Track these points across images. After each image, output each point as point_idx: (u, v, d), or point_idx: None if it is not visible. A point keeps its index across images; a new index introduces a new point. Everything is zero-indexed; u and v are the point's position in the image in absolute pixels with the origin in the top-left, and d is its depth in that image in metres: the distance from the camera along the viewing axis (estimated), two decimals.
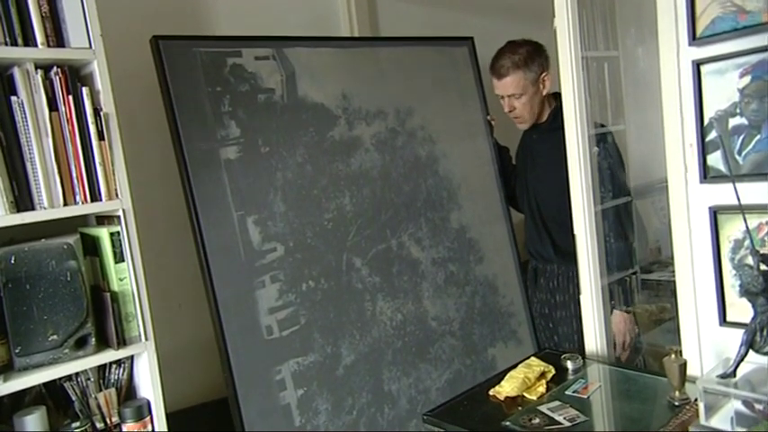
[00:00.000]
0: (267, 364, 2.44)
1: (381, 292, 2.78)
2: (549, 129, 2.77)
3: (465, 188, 3.13)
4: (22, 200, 1.82)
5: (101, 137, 1.95)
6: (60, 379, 1.96)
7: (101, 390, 2.05)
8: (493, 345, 3.07)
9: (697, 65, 1.81)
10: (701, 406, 1.68)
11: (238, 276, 2.43)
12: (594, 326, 2.35)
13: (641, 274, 2.74)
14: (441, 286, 2.97)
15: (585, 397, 2.02)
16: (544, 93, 2.83)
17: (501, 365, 2.79)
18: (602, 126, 2.52)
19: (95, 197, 1.95)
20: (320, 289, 2.62)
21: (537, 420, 1.89)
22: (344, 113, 2.81)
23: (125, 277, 2.00)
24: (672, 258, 2.00)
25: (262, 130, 2.56)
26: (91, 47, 1.94)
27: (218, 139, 2.45)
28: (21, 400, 1.93)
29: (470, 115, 3.25)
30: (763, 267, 1.60)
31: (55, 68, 1.89)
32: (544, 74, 2.79)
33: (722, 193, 1.81)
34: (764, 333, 1.62)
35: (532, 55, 2.78)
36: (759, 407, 1.62)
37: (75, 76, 1.94)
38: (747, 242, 1.74)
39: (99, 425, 2.03)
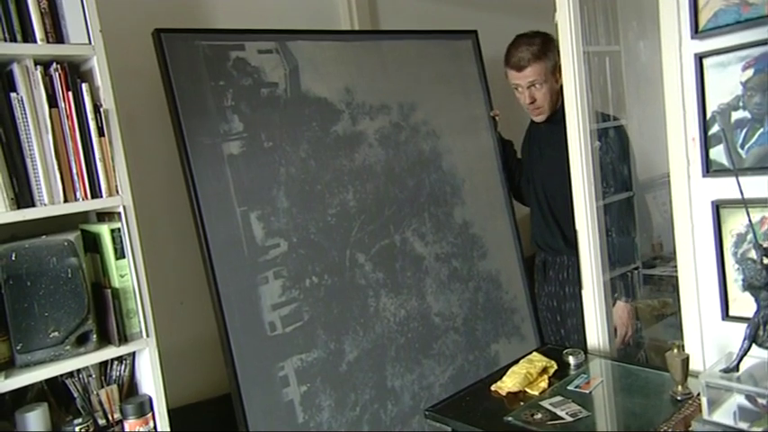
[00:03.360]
0: (270, 361, 2.44)
1: (385, 287, 2.78)
2: (559, 120, 2.75)
3: (468, 183, 3.12)
4: (23, 196, 1.82)
5: (101, 133, 1.95)
6: (62, 376, 1.97)
7: (102, 386, 2.05)
8: (496, 340, 3.06)
9: (699, 58, 1.80)
10: (704, 401, 1.68)
11: (241, 272, 2.42)
12: (596, 321, 2.34)
13: (643, 270, 2.73)
14: (444, 282, 2.96)
15: (587, 392, 2.01)
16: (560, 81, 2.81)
17: (504, 361, 2.78)
18: (609, 118, 2.51)
19: (96, 194, 1.95)
20: (323, 285, 2.61)
21: (539, 415, 1.89)
22: (348, 108, 2.80)
23: (126, 274, 2.00)
24: (674, 253, 1.99)
25: (265, 125, 2.56)
26: (90, 43, 1.94)
27: (220, 134, 2.45)
28: (22, 397, 1.93)
29: (474, 109, 3.24)
30: (766, 261, 1.60)
31: (54, 64, 1.89)
32: (559, 62, 2.78)
33: (725, 187, 1.80)
34: (767, 327, 1.61)
35: (547, 44, 2.79)
36: (762, 401, 1.62)
37: (75, 73, 1.95)
38: (750, 236, 1.73)
39: (101, 421, 2.03)
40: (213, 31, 2.61)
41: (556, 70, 2.77)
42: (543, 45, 2.77)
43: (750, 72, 1.71)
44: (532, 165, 3.08)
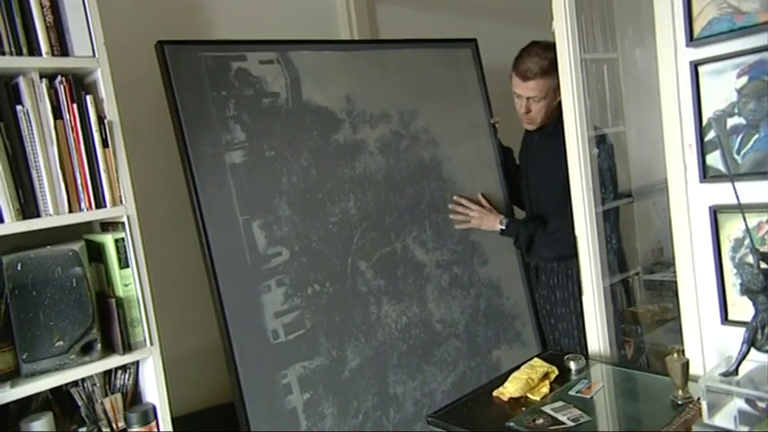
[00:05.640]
0: (273, 369, 2.45)
1: (386, 295, 2.79)
2: (553, 132, 2.75)
3: (468, 190, 3.13)
4: (28, 207, 1.84)
5: (105, 144, 1.97)
6: (66, 385, 1.98)
7: (107, 395, 2.06)
8: (498, 347, 3.07)
9: (695, 65, 1.82)
10: (704, 405, 1.70)
11: (244, 280, 2.44)
12: (597, 326, 2.35)
13: (644, 275, 2.75)
14: (445, 289, 2.97)
15: (589, 397, 2.03)
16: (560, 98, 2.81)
17: (506, 367, 2.78)
18: (596, 128, 2.52)
19: (100, 204, 1.97)
20: (325, 293, 2.62)
21: (540, 421, 1.90)
22: (349, 117, 2.81)
23: (130, 283, 2.02)
24: (673, 258, 2.01)
25: (267, 134, 2.57)
26: (94, 55, 1.97)
27: (223, 144, 2.46)
28: (27, 407, 1.94)
29: (474, 117, 3.25)
30: (763, 266, 1.61)
31: (59, 77, 1.92)
32: None
33: (722, 193, 1.82)
34: (765, 331, 1.62)
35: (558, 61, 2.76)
36: (762, 405, 1.63)
37: (80, 85, 1.97)
38: (747, 241, 1.74)
39: (105, 430, 2.04)
40: (215, 43, 2.62)
41: (558, 88, 2.68)
42: (554, 61, 2.61)
43: (744, 79, 1.74)
44: (525, 173, 3.11)
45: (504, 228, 3.01)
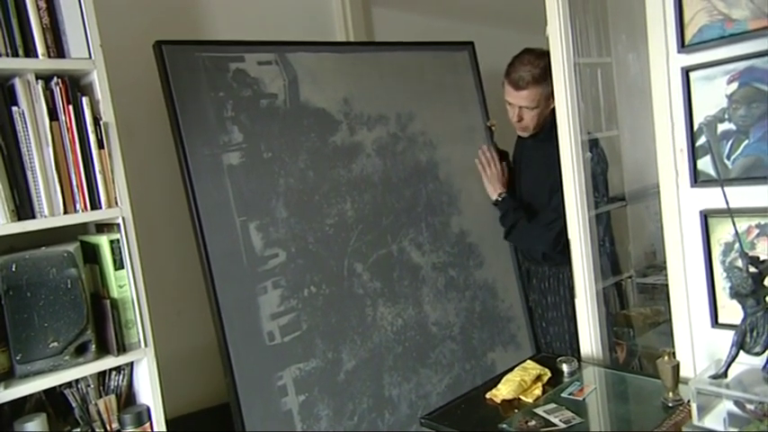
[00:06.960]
0: (269, 370, 2.46)
1: (382, 297, 2.80)
2: (545, 138, 2.75)
3: (465, 193, 3.14)
4: (23, 208, 1.84)
5: (100, 145, 1.98)
6: (61, 386, 1.98)
7: (101, 396, 2.06)
8: (492, 349, 3.08)
9: (686, 71, 1.84)
10: (694, 407, 1.71)
11: (240, 282, 2.44)
12: (589, 329, 2.36)
13: (637, 278, 2.76)
14: (441, 291, 2.98)
15: (581, 399, 2.04)
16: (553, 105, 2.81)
17: (500, 369, 2.79)
18: (589, 133, 2.53)
19: (95, 205, 1.97)
20: (321, 294, 2.63)
21: (533, 422, 1.91)
22: (346, 119, 2.82)
23: (125, 284, 2.03)
24: (665, 262, 2.02)
25: (264, 136, 2.58)
26: (91, 57, 1.97)
27: (220, 145, 2.47)
28: (21, 408, 1.94)
29: (471, 120, 3.26)
30: (751, 269, 1.62)
31: (55, 79, 1.92)
32: None
33: (712, 197, 1.83)
34: (754, 334, 1.64)
35: (550, 69, 2.75)
36: (750, 407, 1.64)
37: (76, 86, 1.97)
38: (737, 245, 1.75)
39: (99, 431, 2.04)
40: (213, 43, 2.63)
41: (551, 95, 2.62)
42: (547, 69, 2.59)
43: (735, 85, 1.75)
44: (518, 178, 3.13)
45: (498, 201, 3.05)
